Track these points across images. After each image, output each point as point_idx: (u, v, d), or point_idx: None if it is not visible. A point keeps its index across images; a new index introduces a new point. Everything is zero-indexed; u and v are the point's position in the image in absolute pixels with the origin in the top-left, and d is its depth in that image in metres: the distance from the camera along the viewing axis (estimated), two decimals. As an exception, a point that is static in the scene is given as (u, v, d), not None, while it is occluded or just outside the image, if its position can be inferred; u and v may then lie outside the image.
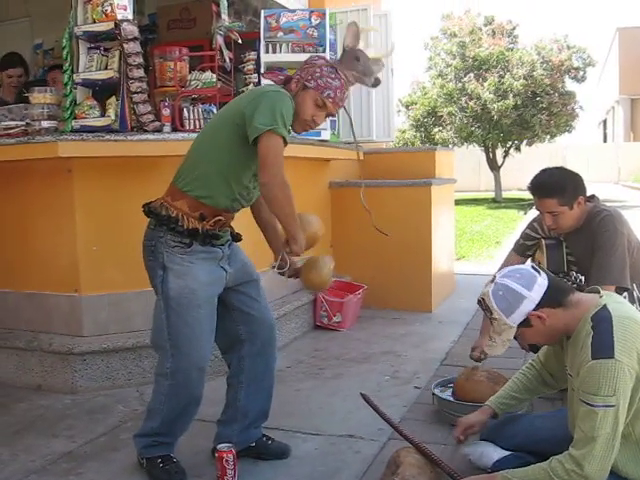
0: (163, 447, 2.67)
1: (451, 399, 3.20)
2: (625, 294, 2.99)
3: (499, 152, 20.57)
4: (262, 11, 5.14)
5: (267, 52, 5.03)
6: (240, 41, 4.29)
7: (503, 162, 20.52)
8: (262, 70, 4.89)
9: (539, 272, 2.26)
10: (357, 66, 2.68)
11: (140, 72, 3.62)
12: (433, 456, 2.47)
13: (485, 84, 18.05)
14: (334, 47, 5.49)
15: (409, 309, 5.45)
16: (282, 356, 4.08)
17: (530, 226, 3.52)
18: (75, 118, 3.64)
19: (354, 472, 2.70)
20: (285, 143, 2.42)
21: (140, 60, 3.61)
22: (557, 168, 3.28)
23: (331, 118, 4.74)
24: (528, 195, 3.38)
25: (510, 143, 19.90)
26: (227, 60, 4.20)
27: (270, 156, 2.36)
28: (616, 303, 2.20)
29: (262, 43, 5.02)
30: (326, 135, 5.12)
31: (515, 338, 2.30)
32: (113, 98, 3.66)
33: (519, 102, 17.85)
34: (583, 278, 3.21)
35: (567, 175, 3.14)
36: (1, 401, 3.58)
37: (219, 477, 2.49)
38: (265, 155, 2.36)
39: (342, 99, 2.56)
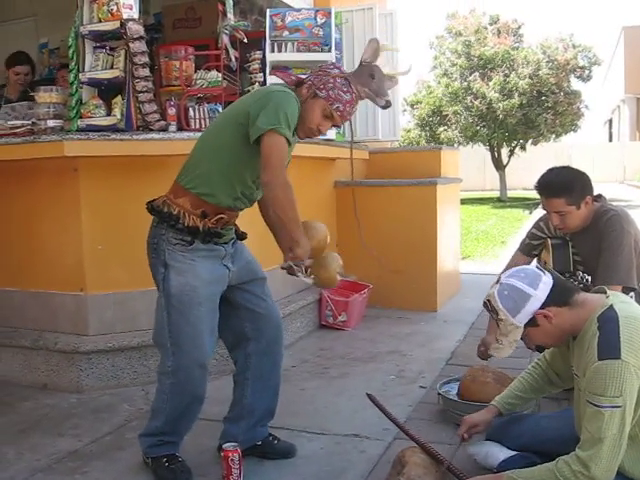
0: (168, 446, 2.67)
1: (456, 399, 3.20)
2: (632, 294, 2.98)
3: (504, 151, 20.57)
4: (268, 10, 5.13)
5: (273, 51, 5.03)
6: (246, 40, 4.30)
7: (508, 161, 20.51)
8: (268, 69, 4.90)
9: (543, 271, 2.26)
10: (371, 84, 2.66)
11: (146, 71, 3.62)
12: (439, 456, 2.46)
13: (490, 83, 18.04)
14: (339, 46, 5.49)
15: (414, 308, 5.44)
16: (287, 355, 4.07)
17: (536, 225, 3.51)
18: (81, 117, 3.65)
19: (360, 472, 2.69)
20: (289, 144, 2.41)
21: (146, 59, 3.61)
22: (564, 167, 3.27)
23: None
24: (533, 194, 3.38)
25: (515, 142, 19.88)
26: (233, 59, 4.20)
27: (273, 156, 2.35)
28: (622, 303, 2.19)
29: (268, 42, 5.02)
30: (331, 134, 5.11)
31: (522, 339, 2.29)
32: (119, 97, 3.66)
33: (524, 101, 17.84)
34: (590, 278, 3.20)
35: (574, 174, 3.13)
36: (7, 400, 3.59)
37: (225, 476, 2.49)
38: (268, 155, 2.35)
39: (350, 113, 2.55)
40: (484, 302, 2.30)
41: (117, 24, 3.57)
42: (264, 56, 4.89)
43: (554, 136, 19.61)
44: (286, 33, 5.05)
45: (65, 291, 3.83)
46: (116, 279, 3.80)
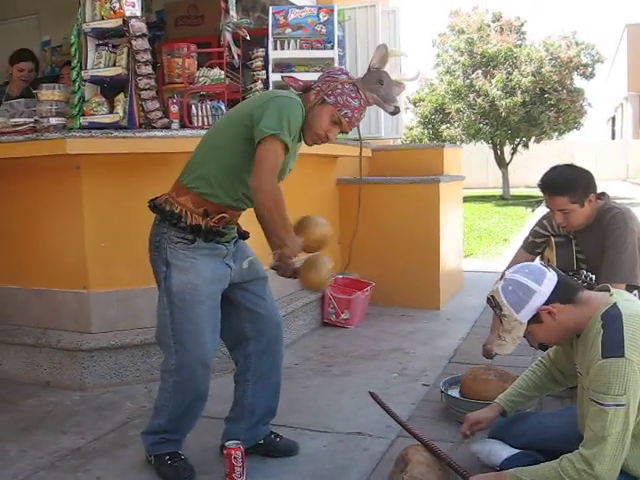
0: (171, 444, 2.67)
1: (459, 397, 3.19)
2: (635, 292, 2.98)
3: (507, 149, 20.56)
4: (270, 8, 5.13)
5: (275, 49, 5.03)
6: (248, 38, 4.29)
7: (511, 159, 20.50)
8: (270, 67, 4.89)
9: (548, 268, 2.26)
10: (379, 90, 2.64)
11: (148, 69, 3.61)
12: (441, 454, 2.46)
13: (493, 81, 18.02)
14: (342, 44, 5.49)
15: (417, 306, 5.44)
16: (290, 353, 4.08)
17: (539, 223, 3.50)
18: (83, 115, 3.65)
19: (362, 470, 2.69)
20: (287, 150, 2.40)
21: (148, 57, 3.61)
22: (568, 165, 3.25)
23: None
24: (536, 192, 3.37)
25: (518, 140, 19.88)
26: (235, 57, 4.19)
27: (265, 162, 2.34)
28: (626, 301, 2.18)
29: (270, 40, 5.02)
30: (334, 132, 5.10)
31: (525, 337, 2.29)
32: (121, 95, 3.66)
33: (527, 99, 17.83)
34: (593, 277, 3.19)
35: (578, 172, 3.12)
36: (10, 397, 3.59)
37: (227, 474, 2.49)
38: (261, 160, 2.35)
39: (358, 119, 2.54)
40: (488, 298, 2.29)
41: (120, 21, 3.57)
42: (267, 54, 4.89)
43: (557, 134, 19.59)
44: (289, 30, 5.05)
45: (68, 289, 3.83)
46: (119, 277, 3.80)
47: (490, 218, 13.66)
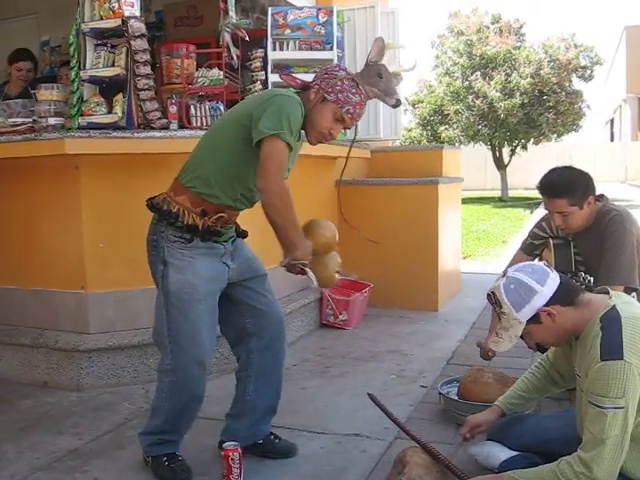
0: (168, 445, 2.66)
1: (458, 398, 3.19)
2: (634, 294, 2.97)
3: (505, 151, 20.57)
4: (269, 8, 5.12)
5: (274, 49, 5.02)
6: (247, 38, 4.28)
7: (510, 161, 20.50)
8: (269, 67, 4.89)
9: (551, 269, 2.25)
10: (379, 84, 2.63)
11: (147, 69, 3.61)
12: (440, 456, 2.46)
13: (492, 82, 18.03)
14: (341, 45, 5.48)
15: (415, 308, 5.43)
16: (288, 354, 4.03)
17: (538, 225, 3.50)
18: (82, 115, 3.64)
19: (360, 471, 2.69)
20: (290, 149, 2.39)
21: (147, 57, 3.60)
22: (567, 168, 3.25)
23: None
24: (534, 194, 3.37)
25: (517, 142, 19.88)
26: (234, 57, 4.19)
27: (270, 162, 2.33)
28: (625, 304, 2.18)
29: (269, 40, 5.01)
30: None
31: (522, 337, 2.28)
32: (120, 95, 3.65)
33: (526, 101, 17.84)
34: (592, 279, 3.18)
35: (577, 175, 3.11)
36: (7, 398, 3.58)
37: (225, 475, 2.48)
38: (266, 160, 2.34)
39: (360, 115, 2.53)
40: (488, 294, 2.28)
41: (119, 21, 3.56)
42: (266, 54, 4.88)
43: (555, 136, 19.59)
44: (288, 31, 5.04)
45: (66, 289, 3.83)
46: (117, 277, 3.79)
47: (488, 220, 13.66)
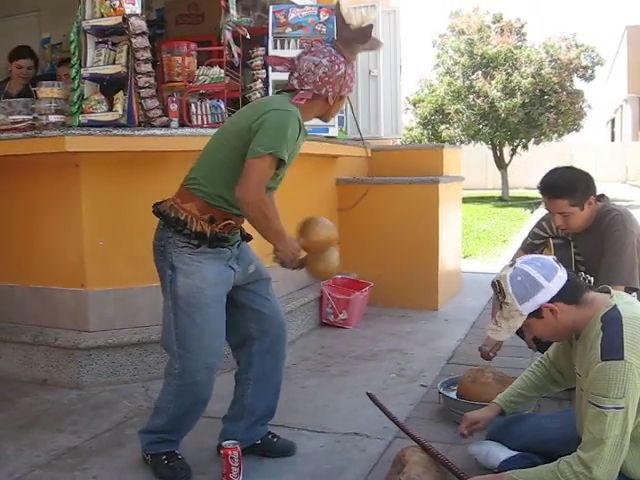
0: (168, 444, 2.66)
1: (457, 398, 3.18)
2: (634, 294, 2.96)
3: (506, 150, 20.55)
4: (270, 7, 5.12)
5: (275, 48, 5.02)
6: (248, 36, 4.28)
7: (510, 160, 20.49)
8: (270, 68, 4.88)
9: (560, 265, 2.23)
10: (360, 47, 2.65)
11: (148, 67, 3.61)
12: (439, 455, 2.46)
13: (493, 82, 18.02)
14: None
15: (415, 307, 5.43)
16: (288, 353, 4.02)
17: (538, 225, 3.49)
18: (82, 113, 3.64)
19: (360, 470, 2.69)
20: (284, 164, 2.43)
21: (148, 55, 3.60)
22: (567, 168, 3.24)
23: (339, 115, 4.75)
24: (535, 193, 3.37)
25: (517, 141, 19.88)
26: (235, 55, 4.18)
27: (252, 173, 2.36)
28: (626, 304, 2.18)
29: (270, 39, 5.00)
30: (333, 132, 5.10)
31: (520, 330, 2.27)
32: (121, 93, 3.65)
33: (527, 100, 17.83)
34: (592, 279, 3.18)
35: (578, 175, 3.11)
36: (6, 395, 3.58)
37: (224, 474, 2.48)
38: (249, 170, 2.36)
39: (353, 78, 2.60)
40: (493, 282, 2.26)
41: (119, 19, 3.56)
42: (267, 53, 4.87)
43: (556, 135, 19.57)
44: (289, 30, 5.04)
45: (66, 287, 3.82)
46: (117, 275, 3.79)
47: (489, 219, 13.65)
